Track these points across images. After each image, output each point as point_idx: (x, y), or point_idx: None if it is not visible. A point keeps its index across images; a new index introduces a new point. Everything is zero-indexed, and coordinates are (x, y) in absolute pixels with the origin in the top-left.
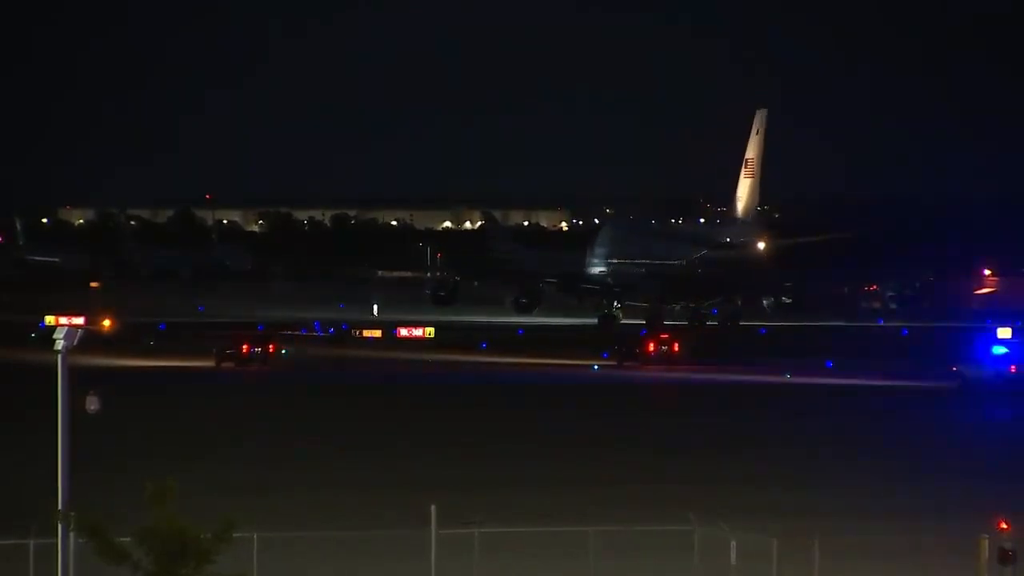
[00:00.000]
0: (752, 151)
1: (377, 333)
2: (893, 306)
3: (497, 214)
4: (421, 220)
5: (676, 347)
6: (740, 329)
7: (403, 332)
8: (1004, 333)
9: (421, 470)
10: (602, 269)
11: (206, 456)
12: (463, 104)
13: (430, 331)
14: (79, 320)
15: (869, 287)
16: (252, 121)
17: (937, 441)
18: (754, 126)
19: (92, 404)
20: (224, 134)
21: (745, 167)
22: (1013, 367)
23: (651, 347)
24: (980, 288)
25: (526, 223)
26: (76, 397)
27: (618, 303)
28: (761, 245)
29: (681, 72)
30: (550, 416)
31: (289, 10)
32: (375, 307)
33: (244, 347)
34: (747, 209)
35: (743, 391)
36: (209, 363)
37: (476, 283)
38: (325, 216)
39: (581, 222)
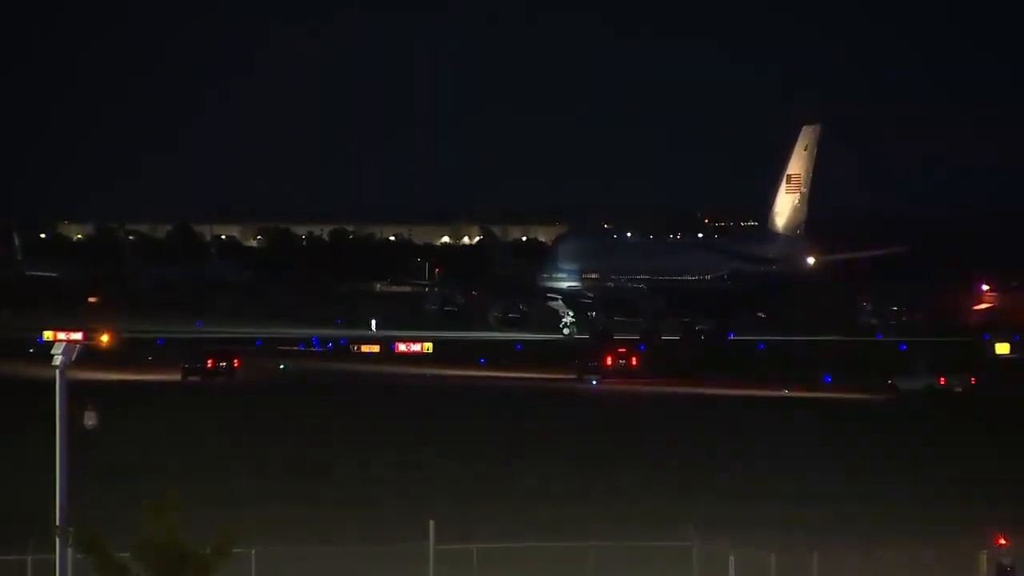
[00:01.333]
0: (797, 167)
1: (376, 348)
2: (892, 321)
3: (496, 229)
4: (419, 235)
5: (634, 361)
6: (728, 343)
7: (401, 347)
8: (1002, 349)
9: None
10: (607, 283)
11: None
12: (461, 118)
13: (428, 346)
14: (77, 335)
15: (864, 302)
16: (250, 136)
17: (792, 452)
18: (800, 142)
19: (90, 419)
20: (222, 149)
21: (788, 182)
22: (942, 378)
23: (609, 361)
24: (979, 303)
25: (524, 238)
26: (74, 412)
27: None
28: (810, 260)
29: (682, 85)
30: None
31: (288, 24)
32: (373, 322)
33: (209, 361)
34: (790, 225)
35: (684, 404)
36: (175, 377)
37: (476, 296)
38: (323, 231)
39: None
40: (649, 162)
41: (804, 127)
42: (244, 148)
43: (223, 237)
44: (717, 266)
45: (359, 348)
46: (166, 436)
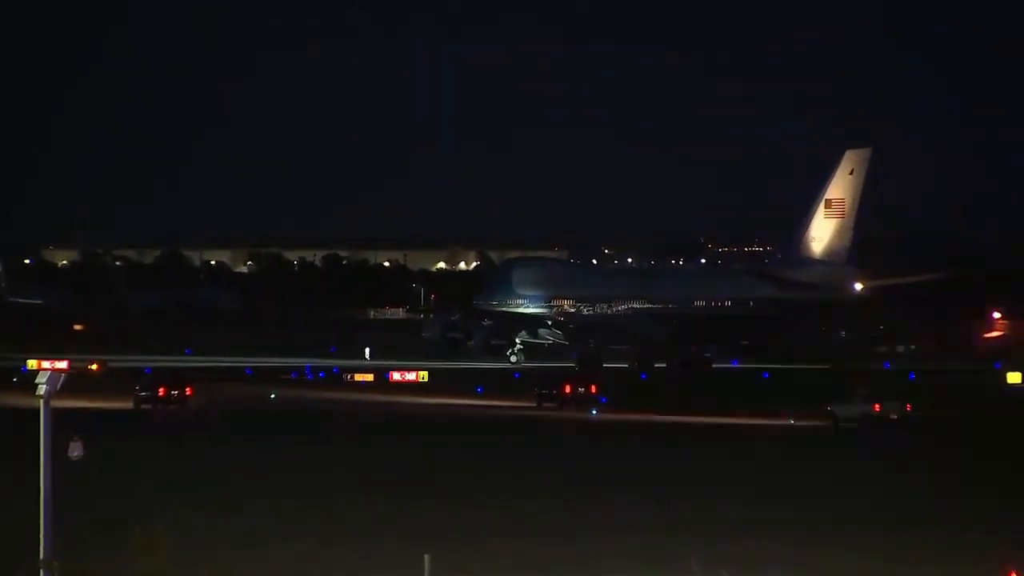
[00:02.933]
0: (839, 191)
1: (369, 377)
2: (901, 348)
3: (493, 255)
4: (415, 261)
5: (594, 389)
6: (710, 371)
7: (396, 376)
8: (1014, 378)
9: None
10: (599, 310)
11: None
12: (457, 143)
13: (423, 375)
14: (62, 364)
15: (879, 327)
16: (241, 160)
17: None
18: (844, 166)
19: (75, 450)
20: (212, 173)
21: (827, 207)
22: (877, 406)
23: (568, 389)
24: (990, 331)
25: (578, 263)
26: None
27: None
28: (858, 286)
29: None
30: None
31: (278, 47)
32: (367, 350)
33: (161, 389)
34: (830, 250)
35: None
36: (128, 404)
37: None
38: (316, 257)
39: (578, 262)
40: (649, 187)
41: (848, 151)
42: (234, 172)
43: (213, 263)
44: (742, 291)
45: (352, 377)
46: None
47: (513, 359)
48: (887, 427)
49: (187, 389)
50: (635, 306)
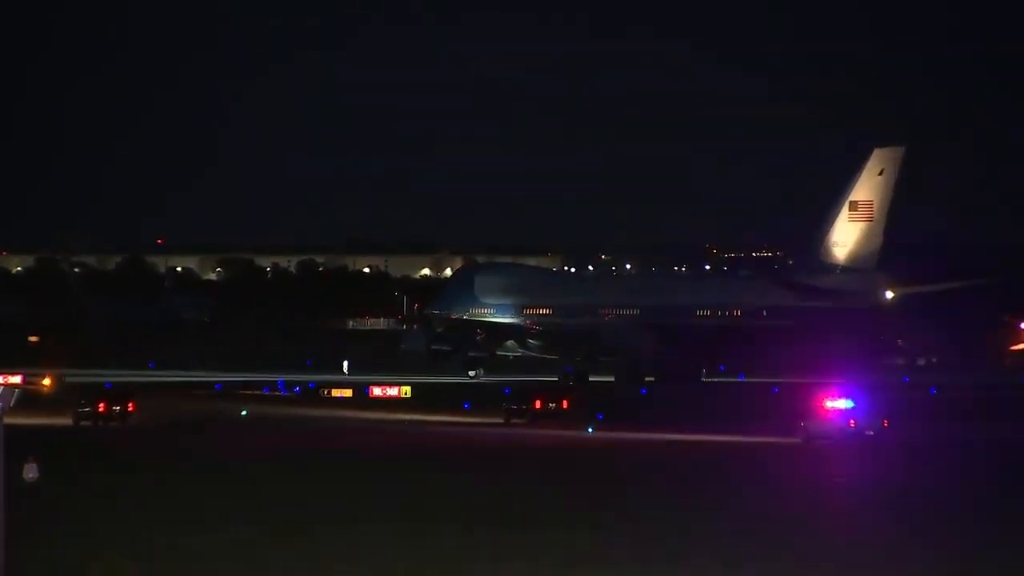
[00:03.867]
0: (866, 193)
1: (348, 392)
2: (921, 362)
3: (481, 260)
4: (397, 267)
5: (566, 404)
6: (698, 386)
7: (376, 391)
8: None
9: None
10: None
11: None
12: (444, 143)
13: (407, 390)
14: (16, 379)
15: (893, 342)
16: (208, 159)
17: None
18: (872, 166)
19: (30, 472)
20: (178, 173)
21: (852, 210)
22: (852, 422)
23: (539, 404)
24: (1017, 344)
25: (551, 270)
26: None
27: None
28: (889, 294)
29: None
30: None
31: (255, 46)
32: (345, 364)
33: (101, 405)
34: (856, 256)
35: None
36: (68, 421)
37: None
38: (290, 263)
39: (574, 269)
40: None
41: (876, 150)
42: (201, 172)
43: (179, 269)
44: (753, 299)
45: (329, 392)
46: None
47: (472, 373)
48: (861, 442)
49: (129, 405)
50: (624, 315)
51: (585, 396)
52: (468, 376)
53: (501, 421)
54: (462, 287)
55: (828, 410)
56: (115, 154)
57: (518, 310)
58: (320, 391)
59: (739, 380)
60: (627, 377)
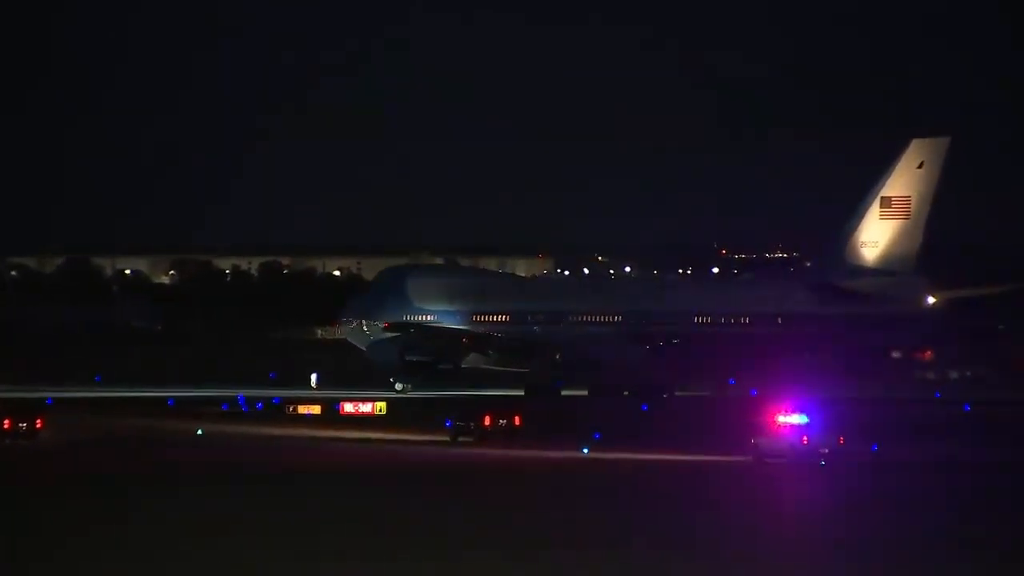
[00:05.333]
0: (903, 188)
1: (316, 409)
2: (955, 375)
3: (465, 262)
4: (371, 269)
5: (518, 420)
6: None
7: (348, 408)
8: None
9: None
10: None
11: None
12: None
13: (381, 406)
14: None
15: (923, 352)
16: (158, 152)
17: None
18: (908, 159)
19: None
20: (125, 166)
21: (884, 207)
22: (805, 438)
23: (488, 421)
24: None
25: (500, 272)
26: None
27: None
28: (931, 300)
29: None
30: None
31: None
32: (313, 377)
33: (6, 422)
34: (888, 257)
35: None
36: None
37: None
38: (252, 265)
39: (567, 272)
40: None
41: (914, 141)
42: (152, 165)
43: (128, 272)
44: (763, 304)
45: (295, 409)
46: None
47: (399, 387)
48: (811, 461)
49: (37, 422)
50: (604, 322)
51: (547, 412)
52: (395, 389)
53: (447, 439)
54: (391, 291)
55: (780, 426)
56: (58, 147)
57: (466, 317)
58: (285, 407)
59: (732, 394)
60: (601, 390)
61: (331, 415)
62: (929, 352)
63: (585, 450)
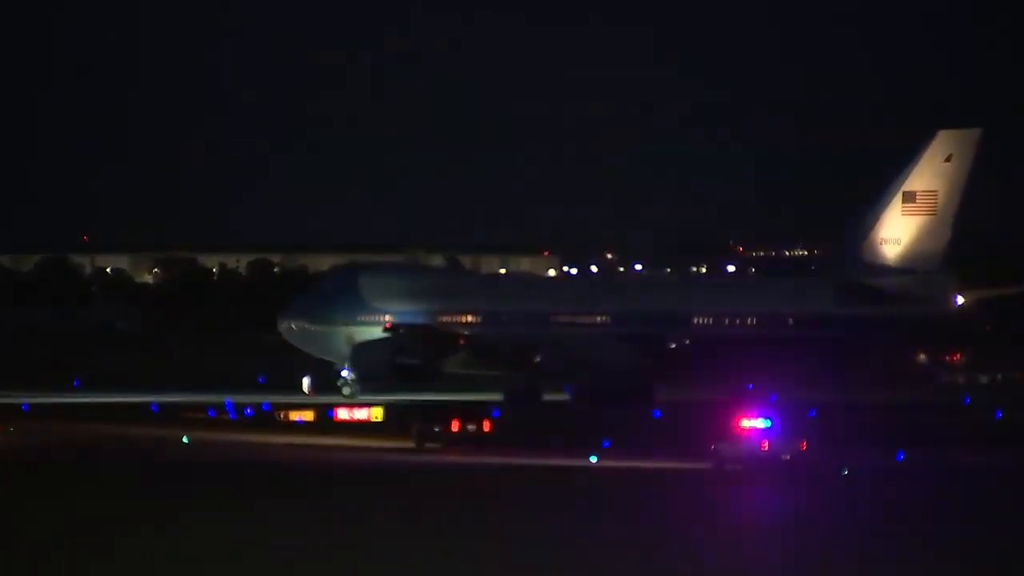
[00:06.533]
0: (928, 182)
1: (309, 415)
2: (984, 379)
3: (466, 260)
4: None
5: (488, 426)
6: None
7: (342, 414)
8: None
9: None
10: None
11: None
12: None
13: (378, 412)
14: None
15: (952, 355)
16: (141, 146)
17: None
18: (934, 151)
19: None
20: (107, 160)
21: (907, 202)
22: (765, 444)
23: (455, 426)
24: None
25: (503, 270)
26: None
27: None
28: (959, 299)
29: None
30: None
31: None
32: (306, 381)
33: None
34: (912, 255)
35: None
36: None
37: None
38: (240, 263)
39: (574, 270)
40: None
41: (941, 132)
42: (137, 159)
43: (109, 271)
44: (774, 305)
45: (285, 415)
46: None
47: (347, 391)
48: (772, 468)
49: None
50: (588, 323)
51: (519, 417)
52: (342, 394)
53: (412, 446)
54: (343, 291)
55: (742, 430)
56: (35, 141)
57: (430, 318)
58: (276, 414)
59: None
60: (585, 395)
61: (325, 422)
62: (958, 355)
63: (593, 459)
